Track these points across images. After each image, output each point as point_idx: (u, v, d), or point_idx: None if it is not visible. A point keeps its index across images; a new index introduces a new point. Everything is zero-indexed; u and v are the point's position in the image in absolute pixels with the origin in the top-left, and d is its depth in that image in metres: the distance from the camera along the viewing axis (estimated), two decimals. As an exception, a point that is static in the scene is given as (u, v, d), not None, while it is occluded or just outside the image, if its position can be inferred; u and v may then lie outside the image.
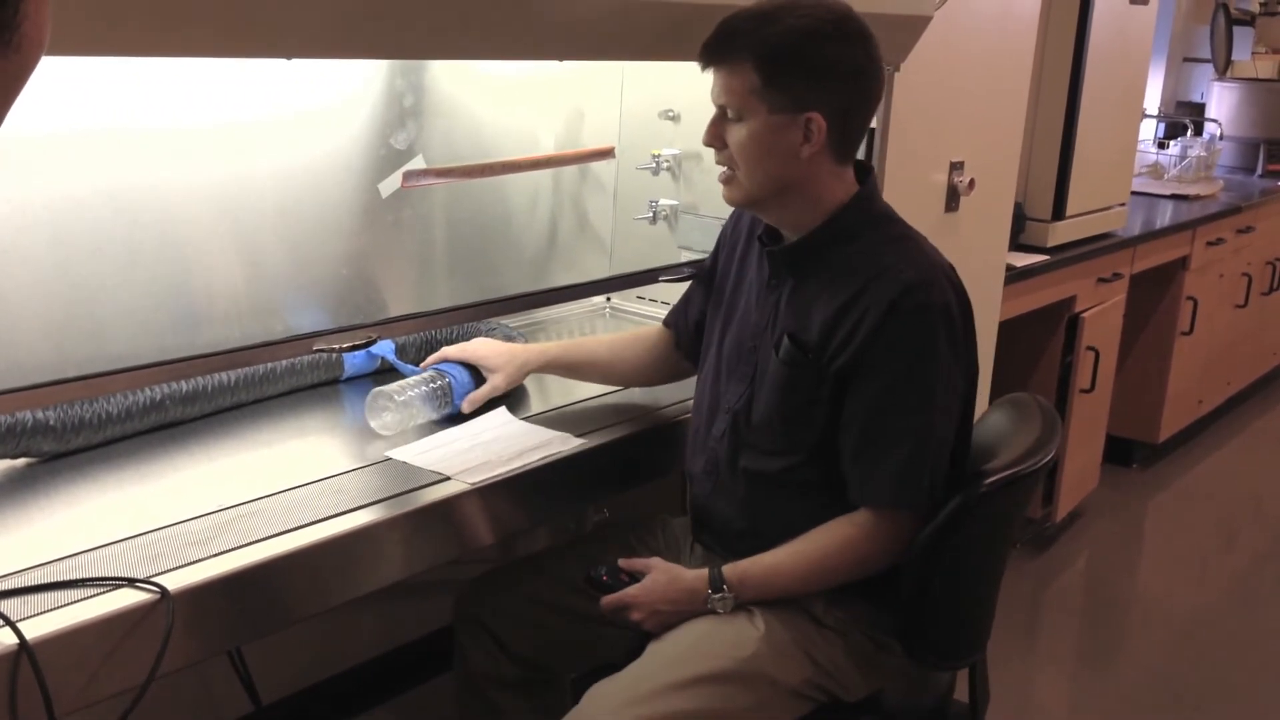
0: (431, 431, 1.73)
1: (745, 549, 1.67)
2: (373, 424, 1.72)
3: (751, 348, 1.68)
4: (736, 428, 1.67)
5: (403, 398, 1.71)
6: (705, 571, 1.61)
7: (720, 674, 1.54)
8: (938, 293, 1.56)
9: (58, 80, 1.60)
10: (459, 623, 1.82)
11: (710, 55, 1.58)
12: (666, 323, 1.94)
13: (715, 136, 1.60)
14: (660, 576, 1.63)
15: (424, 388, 1.75)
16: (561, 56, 1.96)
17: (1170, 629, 3.29)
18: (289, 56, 1.47)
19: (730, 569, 1.60)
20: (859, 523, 1.58)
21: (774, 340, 1.64)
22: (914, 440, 1.55)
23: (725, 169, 1.62)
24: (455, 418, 1.79)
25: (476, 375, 1.83)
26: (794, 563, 1.59)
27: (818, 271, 1.62)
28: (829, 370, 1.57)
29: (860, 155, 2.17)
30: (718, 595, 1.59)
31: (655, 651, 1.59)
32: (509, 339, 2.00)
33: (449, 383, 1.77)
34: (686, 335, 1.89)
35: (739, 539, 1.68)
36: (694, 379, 1.88)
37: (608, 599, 1.62)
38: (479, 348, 1.86)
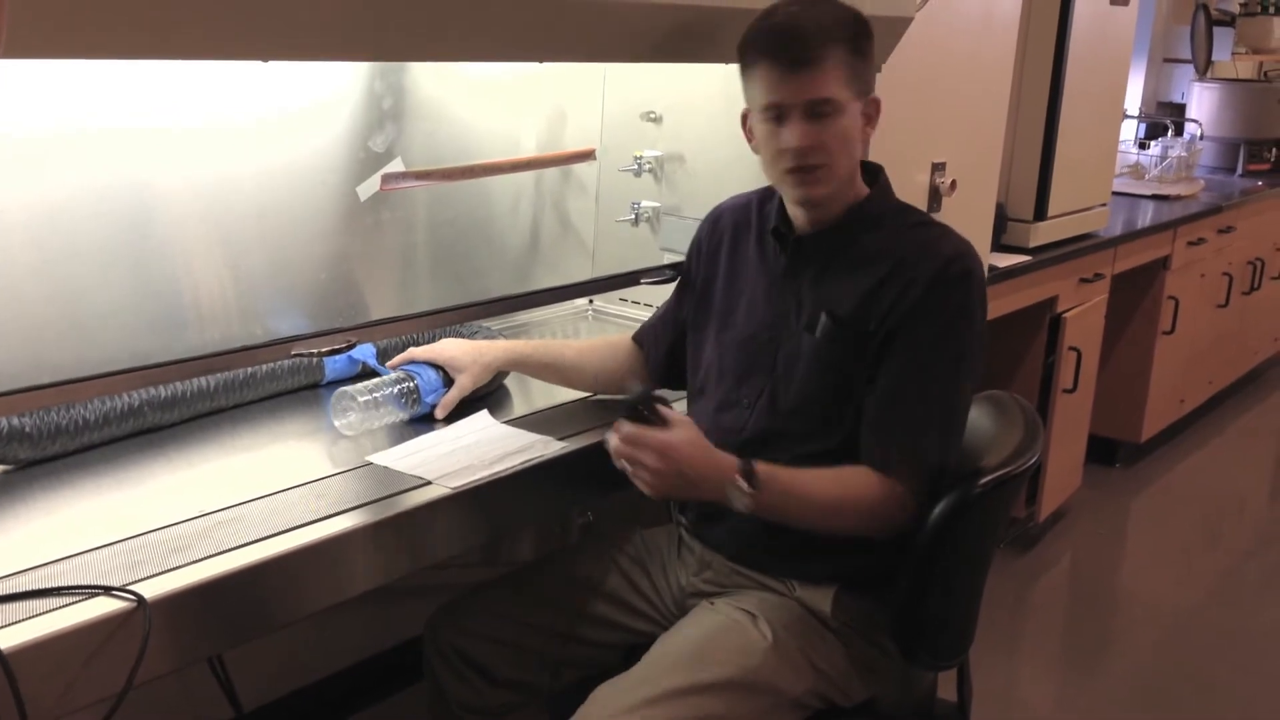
0: (412, 435, 1.72)
1: (759, 541, 1.66)
2: (337, 424, 1.72)
3: (768, 339, 1.67)
4: (756, 423, 1.65)
5: (365, 398, 1.71)
6: (735, 458, 1.51)
7: (725, 682, 1.53)
8: (976, 265, 1.60)
9: (34, 83, 1.59)
10: (431, 653, 1.78)
11: (802, 56, 1.53)
12: (636, 339, 1.93)
13: (814, 136, 1.55)
14: (690, 433, 1.50)
15: (390, 389, 1.75)
16: (542, 58, 1.95)
17: (1154, 627, 3.29)
18: (266, 59, 1.46)
19: (763, 466, 1.51)
20: (876, 479, 1.56)
21: (802, 324, 1.63)
22: (939, 412, 1.57)
23: (813, 165, 1.58)
24: (427, 419, 1.79)
25: (446, 376, 1.82)
26: (817, 484, 1.55)
27: (844, 256, 1.63)
28: (874, 342, 1.58)
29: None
30: (742, 484, 1.48)
31: (660, 654, 1.58)
32: (490, 337, 1.99)
33: (416, 383, 1.77)
34: (656, 358, 1.88)
35: (750, 529, 1.65)
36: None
37: (630, 432, 1.48)
38: (445, 347, 1.85)
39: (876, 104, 1.63)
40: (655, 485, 1.49)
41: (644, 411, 1.50)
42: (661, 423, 1.49)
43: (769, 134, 1.58)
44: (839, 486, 1.56)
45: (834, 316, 1.60)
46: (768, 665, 1.56)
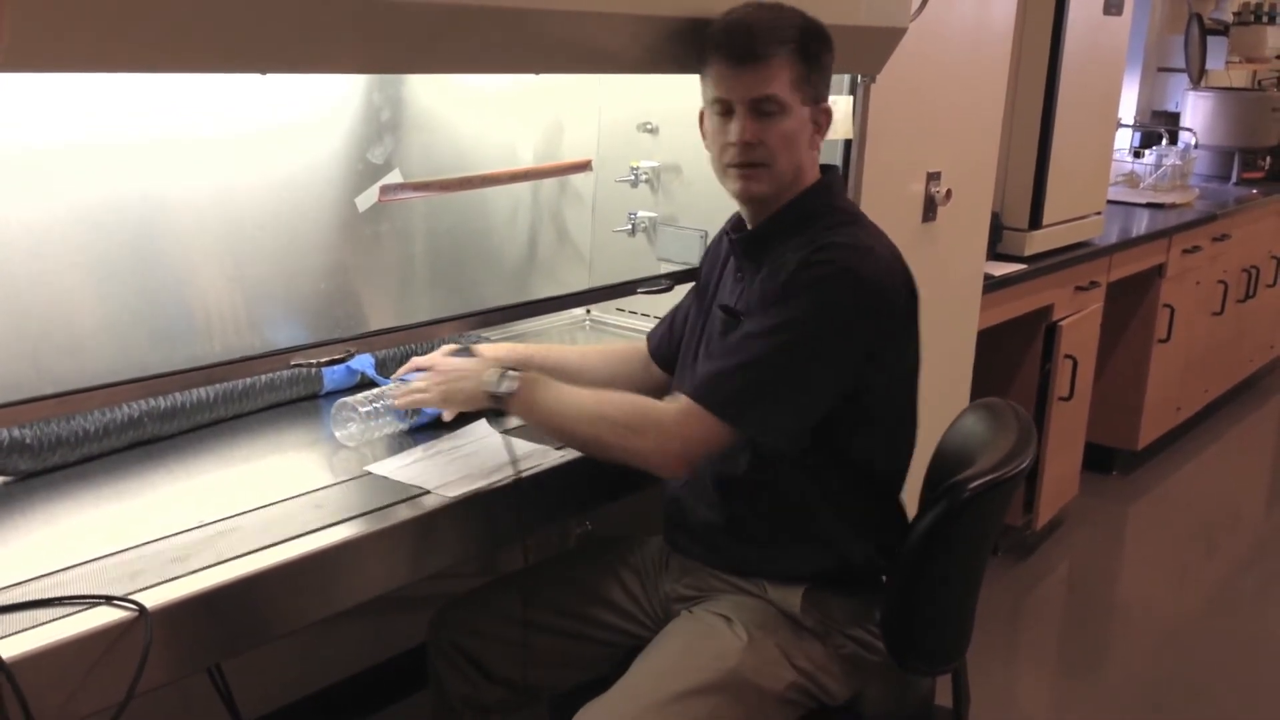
0: (411, 445, 1.73)
1: (722, 544, 1.68)
2: (337, 434, 1.72)
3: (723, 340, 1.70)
4: None
5: (366, 409, 1.72)
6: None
7: (706, 686, 1.55)
8: (850, 259, 1.57)
9: (32, 96, 1.60)
10: (434, 648, 1.81)
11: (751, 53, 1.58)
12: (648, 338, 1.95)
13: (757, 132, 1.59)
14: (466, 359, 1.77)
15: (390, 399, 1.75)
16: (538, 70, 1.96)
17: (1151, 635, 3.30)
18: (264, 71, 1.47)
19: (534, 374, 1.64)
20: (669, 404, 1.57)
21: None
22: (748, 359, 1.54)
23: (755, 162, 1.61)
24: (427, 428, 1.80)
25: None
26: (590, 394, 1.61)
27: (772, 258, 1.64)
28: None
29: (836, 164, 2.20)
30: (499, 372, 1.63)
31: (641, 668, 1.60)
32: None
33: None
34: (668, 350, 1.91)
35: (712, 533, 1.69)
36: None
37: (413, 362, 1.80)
38: (448, 353, 1.87)
39: (827, 113, 1.66)
40: (433, 390, 1.71)
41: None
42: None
43: (717, 128, 1.63)
44: (619, 396, 1.60)
45: (728, 310, 1.65)
46: (745, 665, 1.58)
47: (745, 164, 1.61)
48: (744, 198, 1.66)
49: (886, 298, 1.60)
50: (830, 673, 1.64)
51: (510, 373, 1.61)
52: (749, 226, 1.70)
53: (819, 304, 1.55)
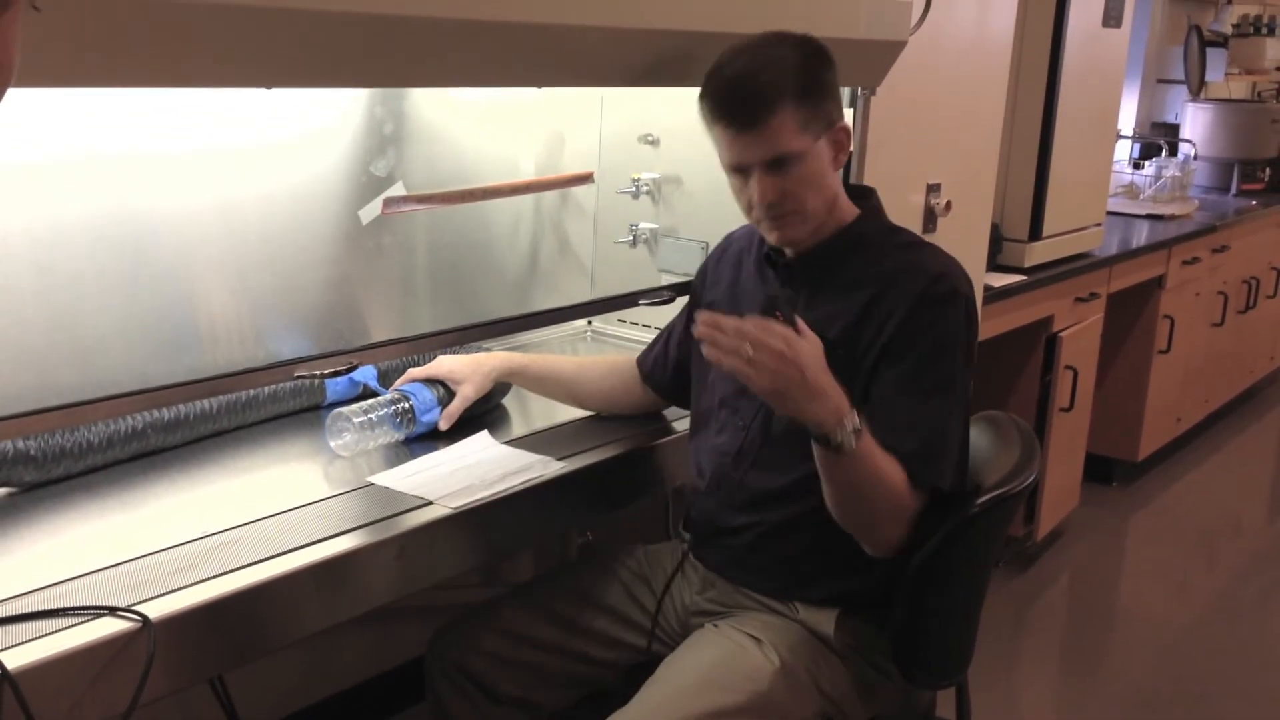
0: (412, 456, 1.73)
1: (756, 564, 1.67)
2: (332, 444, 1.73)
3: None
4: (750, 443, 1.66)
5: (360, 419, 1.73)
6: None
7: (734, 708, 1.53)
8: (962, 284, 1.59)
9: (38, 109, 1.61)
10: (435, 670, 1.78)
11: (750, 118, 1.53)
12: (639, 362, 1.94)
13: (778, 188, 1.56)
14: (820, 347, 1.45)
15: (384, 409, 1.76)
16: (540, 83, 1.97)
17: (1151, 645, 3.30)
18: (269, 85, 1.48)
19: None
20: (914, 500, 1.53)
21: None
22: (930, 425, 1.55)
23: (784, 213, 1.58)
24: (424, 438, 1.80)
25: (441, 394, 1.84)
26: (886, 460, 1.51)
27: (834, 280, 1.64)
28: (864, 363, 1.57)
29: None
30: (856, 420, 1.44)
31: (666, 680, 1.58)
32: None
33: (411, 404, 1.79)
34: (663, 377, 1.89)
35: (747, 552, 1.67)
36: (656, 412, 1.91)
37: (761, 320, 1.41)
38: (443, 362, 1.88)
39: (845, 131, 1.61)
40: (771, 379, 1.40)
41: (779, 313, 1.44)
42: (794, 327, 1.45)
43: (737, 188, 1.61)
44: (895, 470, 1.52)
45: (824, 339, 1.61)
46: (776, 690, 1.56)
47: (774, 216, 1.59)
48: (784, 244, 1.65)
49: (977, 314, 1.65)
50: (851, 699, 1.63)
51: (856, 421, 1.44)
52: (791, 254, 1.68)
53: (960, 347, 1.58)
